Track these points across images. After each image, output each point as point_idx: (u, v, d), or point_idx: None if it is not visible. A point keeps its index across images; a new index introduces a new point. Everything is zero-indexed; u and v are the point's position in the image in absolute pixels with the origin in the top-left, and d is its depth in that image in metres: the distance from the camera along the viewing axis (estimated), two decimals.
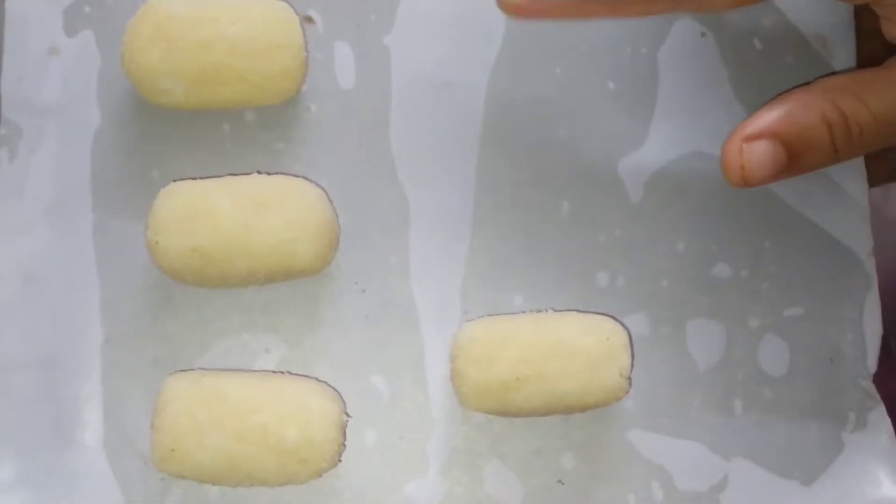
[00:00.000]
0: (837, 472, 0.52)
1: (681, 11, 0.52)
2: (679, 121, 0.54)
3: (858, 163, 0.54)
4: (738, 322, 0.53)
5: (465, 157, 0.52)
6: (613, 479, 0.51)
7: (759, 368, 0.52)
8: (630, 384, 0.49)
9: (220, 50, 0.48)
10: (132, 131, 0.51)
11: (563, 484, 0.51)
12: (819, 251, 0.53)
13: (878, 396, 0.53)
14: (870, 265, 0.54)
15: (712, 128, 0.54)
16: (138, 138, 0.51)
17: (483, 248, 0.52)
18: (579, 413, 0.50)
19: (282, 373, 0.50)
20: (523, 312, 0.51)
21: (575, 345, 0.48)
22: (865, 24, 0.54)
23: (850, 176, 0.54)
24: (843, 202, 0.54)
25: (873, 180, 0.54)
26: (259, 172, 0.50)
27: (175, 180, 0.49)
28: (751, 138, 0.46)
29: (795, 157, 0.46)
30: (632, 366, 0.49)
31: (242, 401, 0.46)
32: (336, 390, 0.49)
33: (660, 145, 0.53)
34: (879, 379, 0.53)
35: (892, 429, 0.52)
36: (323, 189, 0.50)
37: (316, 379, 0.49)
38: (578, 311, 0.51)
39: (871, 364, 0.53)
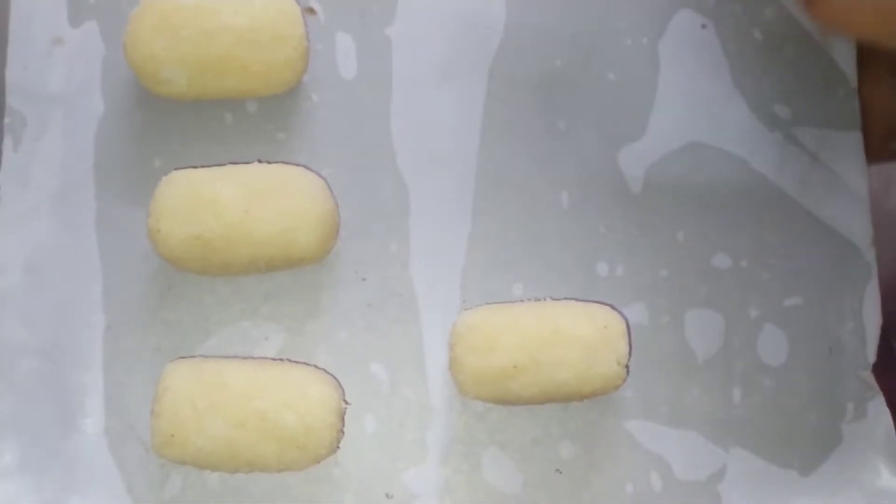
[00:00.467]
0: (836, 462, 0.52)
1: None
2: (679, 112, 0.54)
3: (858, 153, 0.54)
4: (737, 312, 0.53)
5: (465, 147, 0.53)
6: (612, 468, 0.51)
7: (758, 358, 0.52)
8: (627, 373, 0.49)
9: (223, 40, 0.48)
10: (135, 121, 0.52)
11: (561, 473, 0.51)
12: (819, 242, 0.54)
13: (877, 387, 0.53)
14: (869, 256, 0.54)
15: (712, 119, 0.54)
16: (141, 128, 0.52)
17: (483, 237, 0.52)
18: (578, 402, 0.51)
19: (281, 360, 0.50)
20: (522, 301, 0.51)
21: (573, 333, 0.48)
22: None
23: (851, 167, 0.54)
24: (843, 193, 0.54)
25: (871, 157, 0.54)
26: (260, 162, 0.50)
27: (177, 169, 0.49)
28: None
29: None
30: (630, 354, 0.49)
31: (242, 387, 0.46)
32: (335, 378, 0.50)
33: (660, 136, 0.54)
34: (878, 370, 0.53)
35: (890, 419, 0.53)
36: (324, 178, 0.50)
37: (315, 366, 0.50)
38: (577, 300, 0.51)
39: (871, 355, 0.53)
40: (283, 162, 0.51)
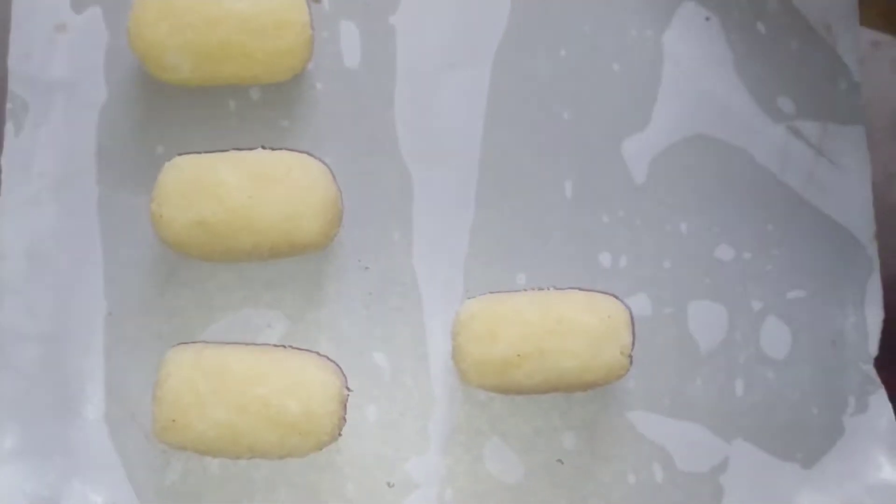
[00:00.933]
0: (838, 455, 0.52)
1: None
2: (683, 103, 0.54)
3: (862, 147, 0.54)
4: (740, 304, 0.53)
5: (468, 137, 0.53)
6: (614, 458, 0.51)
7: (761, 351, 0.52)
8: (631, 362, 0.49)
9: (227, 26, 0.48)
10: (138, 107, 0.52)
11: (562, 463, 0.51)
12: (822, 235, 0.54)
13: (878, 380, 0.53)
14: (872, 249, 0.54)
15: (716, 111, 0.54)
16: (144, 114, 0.52)
17: (486, 226, 0.52)
18: (580, 392, 0.50)
19: (284, 347, 0.50)
20: (525, 290, 0.51)
21: (576, 322, 0.48)
22: None
23: (854, 160, 0.54)
24: (846, 187, 0.54)
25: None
26: (264, 148, 0.50)
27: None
28: None
29: None
30: (633, 344, 0.49)
31: (244, 373, 0.46)
32: (337, 365, 0.49)
33: (664, 127, 0.54)
34: (880, 363, 0.53)
35: (892, 413, 0.52)
36: (327, 166, 0.50)
37: (317, 353, 0.49)
38: (581, 289, 0.51)
39: (873, 348, 0.53)
40: (286, 149, 0.50)
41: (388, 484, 0.50)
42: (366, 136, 0.52)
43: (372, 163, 0.52)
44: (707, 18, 0.55)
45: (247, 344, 0.49)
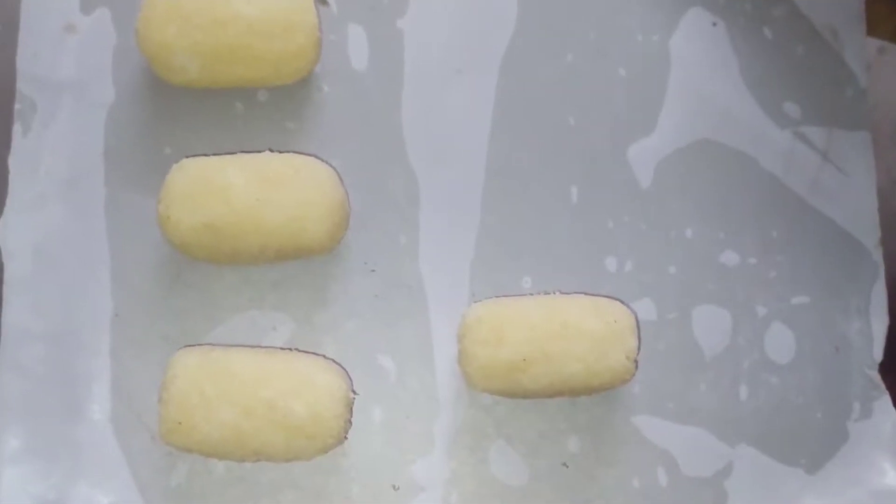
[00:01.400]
0: (842, 460, 0.52)
1: None
2: (689, 108, 0.54)
3: (867, 153, 0.54)
4: (744, 309, 0.53)
5: (475, 140, 0.53)
6: (618, 463, 0.51)
7: (766, 356, 0.53)
8: (636, 367, 0.49)
9: (236, 28, 0.48)
10: (146, 108, 0.52)
11: (567, 467, 0.51)
12: (827, 240, 0.54)
13: (883, 386, 0.53)
14: (877, 255, 0.54)
15: (722, 116, 0.54)
16: (152, 115, 0.52)
17: (492, 230, 0.52)
18: (585, 396, 0.51)
19: (290, 349, 0.50)
20: (531, 294, 0.51)
21: (582, 326, 0.48)
22: None
23: (859, 166, 0.54)
24: (851, 192, 0.54)
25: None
26: (271, 151, 0.50)
27: (187, 157, 0.49)
28: None
29: None
30: (638, 349, 0.49)
31: (250, 376, 0.46)
32: (343, 368, 0.49)
33: (670, 132, 0.54)
34: (885, 369, 0.53)
35: None
36: (334, 168, 0.50)
37: (323, 356, 0.49)
38: (586, 294, 0.51)
39: (878, 354, 0.53)
40: (293, 151, 0.51)
41: (394, 487, 0.50)
42: (373, 139, 0.52)
43: (379, 166, 0.52)
44: (713, 24, 0.55)
45: (253, 346, 0.49)
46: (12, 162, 0.50)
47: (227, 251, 0.48)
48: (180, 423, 0.46)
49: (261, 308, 0.51)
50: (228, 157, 0.49)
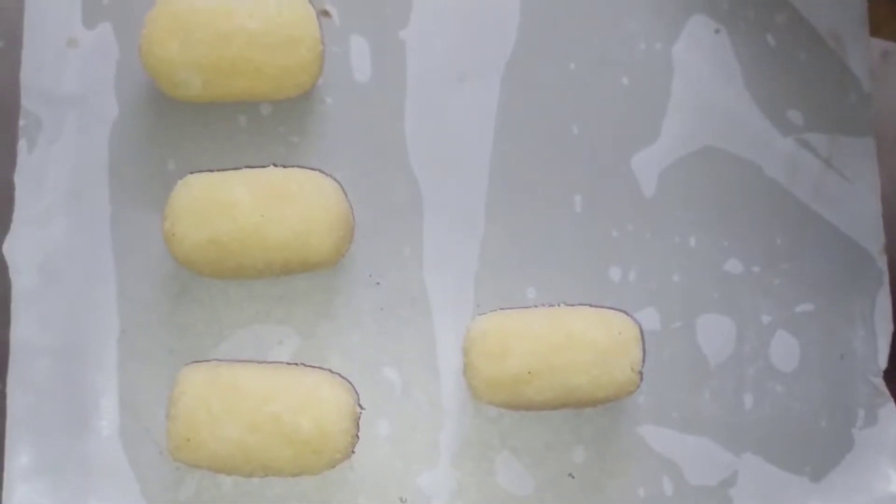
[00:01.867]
0: (847, 467, 0.52)
1: None
2: (692, 116, 0.54)
3: (871, 159, 0.54)
4: (749, 318, 0.53)
5: (479, 151, 0.53)
6: (624, 473, 0.51)
7: (770, 364, 0.53)
8: (641, 378, 0.49)
9: (238, 43, 0.48)
10: (149, 122, 0.52)
11: (573, 477, 0.51)
12: (831, 248, 0.54)
13: (887, 393, 0.53)
14: (881, 262, 0.54)
15: (725, 123, 0.54)
16: (155, 130, 0.52)
17: (496, 241, 0.52)
18: (590, 407, 0.51)
19: (296, 364, 0.50)
20: (535, 306, 0.51)
21: (587, 339, 0.48)
22: None
23: (863, 172, 0.54)
24: (855, 199, 0.54)
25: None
26: (275, 165, 0.50)
27: (191, 172, 0.49)
28: None
29: None
30: (643, 360, 0.49)
31: (257, 392, 0.46)
32: (350, 382, 0.50)
33: (673, 140, 0.54)
34: (890, 376, 0.53)
35: None
36: (338, 182, 0.50)
37: (329, 371, 0.50)
38: (591, 305, 0.51)
39: (882, 361, 0.53)
40: (296, 165, 0.51)
41: (401, 499, 0.50)
42: (376, 150, 0.52)
43: (382, 177, 0.52)
44: (716, 31, 0.55)
45: (259, 362, 0.50)
46: (18, 178, 0.51)
47: (233, 266, 0.48)
48: (188, 439, 0.46)
49: (266, 322, 0.51)
50: (232, 172, 0.49)
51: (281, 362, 0.50)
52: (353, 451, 0.48)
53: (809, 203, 0.54)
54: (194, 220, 0.47)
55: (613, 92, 0.54)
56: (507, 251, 0.52)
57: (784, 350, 0.53)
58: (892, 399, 0.53)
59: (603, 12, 0.54)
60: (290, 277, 0.51)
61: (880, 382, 0.53)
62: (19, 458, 0.49)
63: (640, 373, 0.49)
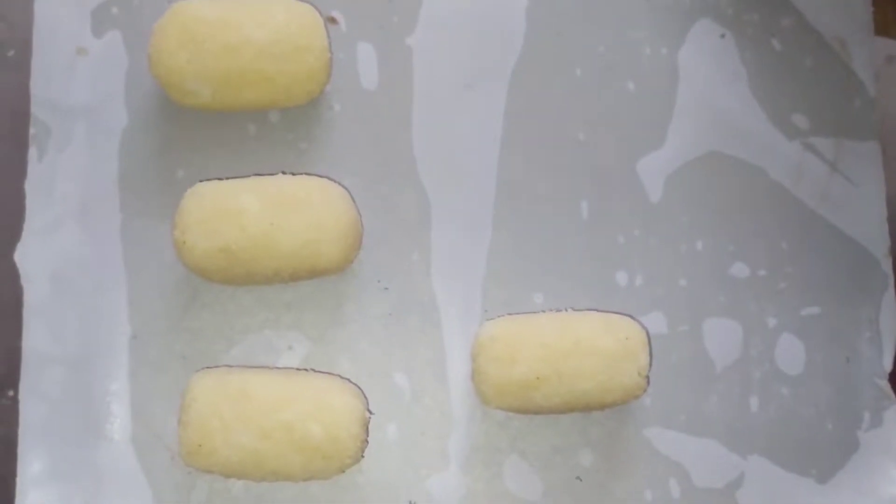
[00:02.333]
0: (853, 469, 0.53)
1: None
2: (698, 121, 0.54)
3: (876, 163, 0.55)
4: (755, 321, 0.53)
5: (486, 157, 0.53)
6: (631, 475, 0.52)
7: (776, 367, 0.53)
8: (648, 383, 0.49)
9: (247, 53, 0.49)
10: (159, 131, 0.52)
11: (581, 480, 0.51)
12: (836, 251, 0.54)
13: (893, 395, 0.53)
14: (887, 265, 0.54)
15: (731, 128, 0.54)
16: (165, 138, 0.52)
17: (504, 246, 0.53)
18: (598, 411, 0.51)
19: (306, 370, 0.50)
20: (543, 311, 0.52)
21: (594, 344, 0.48)
22: None
23: (868, 176, 0.55)
24: (860, 203, 0.54)
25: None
26: (283, 172, 0.50)
27: (201, 180, 0.50)
28: None
29: None
30: (650, 365, 0.49)
31: (267, 398, 0.47)
32: (359, 387, 0.50)
33: (679, 145, 0.54)
34: (895, 378, 0.54)
35: None
36: (346, 189, 0.51)
37: (339, 376, 0.50)
38: (598, 310, 0.51)
39: (888, 363, 0.54)
40: (305, 172, 0.51)
41: (410, 503, 0.50)
42: (384, 157, 0.53)
43: (390, 184, 0.53)
44: (722, 36, 0.55)
45: (269, 368, 0.50)
46: (28, 187, 0.51)
47: (242, 274, 0.49)
48: (200, 445, 0.46)
49: (276, 328, 0.51)
50: (241, 181, 0.49)
51: (291, 368, 0.51)
52: (362, 456, 0.48)
53: (815, 207, 0.54)
54: (204, 228, 0.48)
55: (619, 98, 0.54)
56: (514, 257, 0.53)
57: (790, 353, 0.53)
58: None
59: (608, 19, 0.54)
60: (300, 283, 0.51)
61: (886, 385, 0.53)
62: (32, 464, 0.49)
63: (647, 377, 0.49)
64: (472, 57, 0.54)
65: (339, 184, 0.51)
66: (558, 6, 0.54)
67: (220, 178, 0.50)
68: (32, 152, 0.51)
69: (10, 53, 0.56)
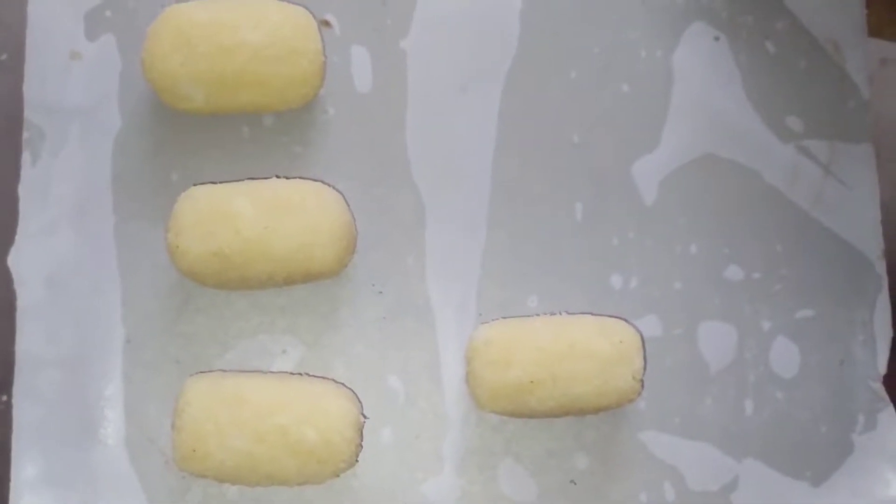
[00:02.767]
0: (847, 472, 0.53)
1: None
2: (692, 124, 0.54)
3: (870, 165, 0.55)
4: (749, 324, 0.53)
5: (480, 160, 0.53)
6: (626, 478, 0.52)
7: (771, 370, 0.53)
8: (643, 386, 0.49)
9: (241, 56, 0.49)
10: (152, 134, 0.52)
11: (575, 483, 0.51)
12: (830, 254, 0.54)
13: (887, 398, 0.53)
14: (881, 268, 0.54)
15: (725, 131, 0.54)
16: (158, 141, 0.52)
17: (498, 249, 0.53)
18: (592, 414, 0.51)
19: (300, 374, 0.50)
20: (538, 315, 0.52)
21: (589, 348, 0.48)
22: None
23: (862, 179, 0.55)
24: (854, 205, 0.54)
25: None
26: (277, 176, 0.51)
27: (195, 183, 0.50)
28: None
29: None
30: (644, 368, 0.49)
31: (261, 402, 0.47)
32: (353, 391, 0.50)
33: (673, 148, 0.54)
34: (889, 381, 0.54)
35: None
36: (340, 192, 0.51)
37: (333, 380, 0.50)
38: (592, 313, 0.51)
39: (882, 366, 0.54)
40: (299, 176, 0.51)
41: None
42: (378, 160, 0.53)
43: (384, 187, 0.53)
44: (716, 38, 0.55)
45: (264, 372, 0.50)
46: (22, 190, 0.51)
47: (236, 278, 0.49)
48: (194, 450, 0.46)
49: (270, 332, 0.51)
50: (235, 184, 0.49)
51: (285, 372, 0.51)
52: (357, 460, 0.48)
53: (809, 209, 0.54)
54: (198, 232, 0.48)
55: (614, 100, 0.54)
56: (509, 260, 0.53)
57: (784, 356, 0.53)
58: (891, 404, 0.53)
59: (603, 21, 0.54)
60: (294, 288, 0.51)
61: (880, 388, 0.53)
62: (26, 468, 0.49)
63: (642, 381, 0.49)
64: (466, 59, 0.54)
65: (334, 187, 0.51)
66: (553, 8, 0.54)
67: (214, 182, 0.50)
68: (26, 156, 0.51)
69: (4, 57, 0.56)
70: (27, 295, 0.51)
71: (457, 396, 0.52)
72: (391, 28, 0.54)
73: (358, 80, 0.53)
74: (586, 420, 0.52)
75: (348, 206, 0.51)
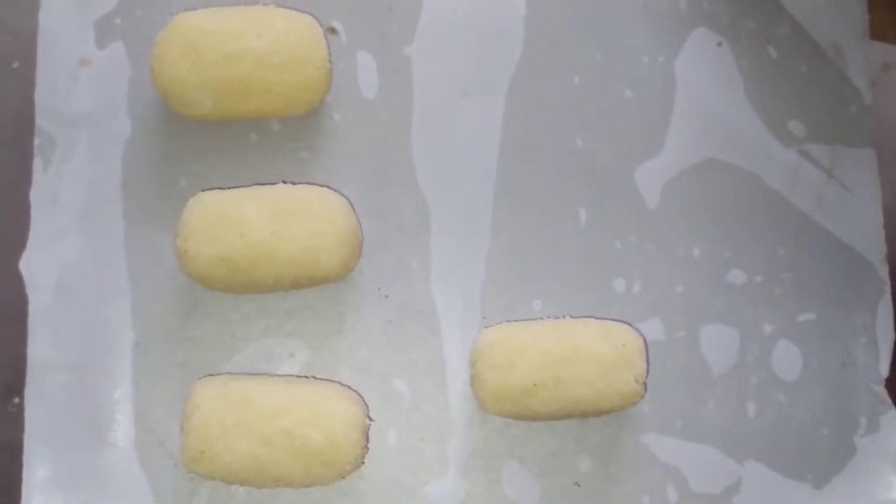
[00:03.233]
0: (849, 475, 0.53)
1: None
2: (695, 128, 0.55)
3: (872, 170, 0.55)
4: (751, 327, 0.54)
5: (484, 164, 0.54)
6: (629, 481, 0.52)
7: (773, 373, 0.53)
8: (645, 390, 0.50)
9: (248, 63, 0.49)
10: (161, 141, 0.53)
11: (579, 486, 0.52)
12: (832, 257, 0.54)
13: (889, 401, 0.54)
14: (883, 271, 0.54)
15: (727, 135, 0.55)
16: (167, 147, 0.53)
17: (502, 254, 0.53)
18: (595, 417, 0.52)
19: (306, 377, 0.51)
20: (541, 318, 0.52)
21: (592, 351, 0.49)
22: None
23: (864, 183, 0.55)
24: (856, 209, 0.55)
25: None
26: (284, 182, 0.51)
27: (203, 189, 0.50)
28: None
29: None
30: (647, 372, 0.50)
31: (268, 405, 0.47)
32: (359, 394, 0.51)
33: (676, 153, 0.54)
34: (891, 384, 0.54)
35: None
36: (346, 197, 0.51)
37: (339, 383, 0.51)
38: (595, 316, 0.52)
39: (884, 369, 0.54)
40: (306, 181, 0.52)
41: None
42: (383, 165, 0.53)
43: (390, 192, 0.53)
44: (718, 44, 0.55)
45: (270, 375, 0.51)
46: (34, 196, 0.52)
47: (243, 282, 0.49)
48: (203, 452, 0.47)
49: (277, 336, 0.52)
50: (242, 190, 0.50)
51: (291, 375, 0.51)
52: (362, 462, 0.49)
53: (811, 213, 0.55)
54: (206, 237, 0.48)
55: (617, 105, 0.55)
56: (512, 264, 0.53)
57: (786, 359, 0.54)
58: (893, 407, 0.54)
59: (606, 27, 0.55)
60: (300, 291, 0.52)
61: (882, 390, 0.54)
62: (37, 471, 0.50)
63: (644, 384, 0.50)
64: (470, 65, 0.54)
65: (340, 192, 0.51)
66: (556, 15, 0.55)
67: (222, 187, 0.51)
68: (37, 162, 0.52)
69: (15, 64, 0.57)
70: (39, 299, 0.51)
71: (461, 399, 0.52)
72: (396, 35, 0.54)
73: (364, 86, 0.54)
74: (589, 423, 0.52)
75: (354, 210, 0.51)
